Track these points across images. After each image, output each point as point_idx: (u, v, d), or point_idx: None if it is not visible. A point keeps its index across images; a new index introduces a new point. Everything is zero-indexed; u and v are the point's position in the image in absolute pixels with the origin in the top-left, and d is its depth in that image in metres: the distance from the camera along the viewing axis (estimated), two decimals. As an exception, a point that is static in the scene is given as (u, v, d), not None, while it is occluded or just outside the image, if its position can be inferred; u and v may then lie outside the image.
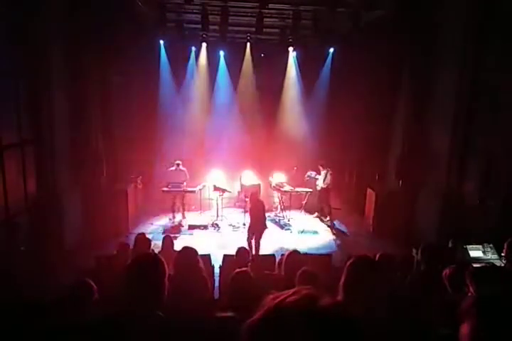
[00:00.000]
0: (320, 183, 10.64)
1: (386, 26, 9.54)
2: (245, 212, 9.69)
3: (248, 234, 8.28)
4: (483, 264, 4.54)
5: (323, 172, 10.58)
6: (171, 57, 12.36)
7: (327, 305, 0.90)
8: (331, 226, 10.37)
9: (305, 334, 0.84)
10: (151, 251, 5.56)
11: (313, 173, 11.26)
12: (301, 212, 11.07)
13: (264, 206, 8.43)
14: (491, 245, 5.79)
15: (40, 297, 3.75)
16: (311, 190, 11.00)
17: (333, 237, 9.75)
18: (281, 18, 10.19)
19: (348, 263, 2.40)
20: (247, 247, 7.89)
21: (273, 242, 8.99)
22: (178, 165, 10.41)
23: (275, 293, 0.96)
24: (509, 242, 4.75)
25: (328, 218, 10.64)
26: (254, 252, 7.98)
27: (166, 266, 2.28)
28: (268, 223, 9.08)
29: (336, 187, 11.09)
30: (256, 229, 8.21)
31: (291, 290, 0.94)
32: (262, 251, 8.21)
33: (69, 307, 3.13)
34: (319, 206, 10.88)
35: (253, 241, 8.21)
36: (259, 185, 11.17)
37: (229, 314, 2.61)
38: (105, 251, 6.76)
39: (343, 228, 10.35)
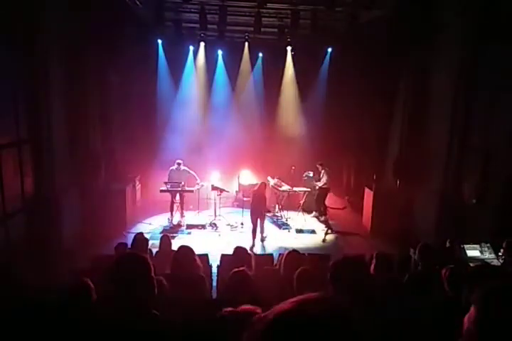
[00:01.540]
0: (319, 183, 10.67)
1: (385, 26, 9.54)
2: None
3: (252, 219, 8.90)
4: (478, 263, 4.55)
5: (322, 172, 10.61)
6: (169, 57, 12.33)
7: (329, 306, 0.90)
8: (326, 226, 10.38)
9: (310, 334, 0.84)
10: (148, 250, 5.57)
11: (311, 173, 11.26)
12: (299, 212, 11.07)
13: (265, 198, 9.12)
14: (489, 244, 5.82)
15: (38, 297, 3.74)
16: (309, 189, 11.02)
17: (331, 237, 9.76)
18: (279, 18, 10.19)
19: (330, 264, 2.38)
20: (251, 233, 8.91)
21: (271, 242, 9.01)
22: (178, 164, 10.32)
23: (276, 292, 0.96)
24: (508, 242, 4.77)
25: (323, 218, 10.66)
26: (260, 233, 9.02)
27: (149, 263, 2.24)
28: (266, 222, 9.26)
29: (333, 186, 11.10)
30: (259, 212, 8.94)
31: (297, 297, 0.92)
32: (260, 251, 8.24)
33: (67, 307, 3.13)
34: (317, 205, 10.88)
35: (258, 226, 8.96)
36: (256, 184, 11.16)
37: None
38: (103, 250, 6.75)
39: (340, 228, 10.36)
